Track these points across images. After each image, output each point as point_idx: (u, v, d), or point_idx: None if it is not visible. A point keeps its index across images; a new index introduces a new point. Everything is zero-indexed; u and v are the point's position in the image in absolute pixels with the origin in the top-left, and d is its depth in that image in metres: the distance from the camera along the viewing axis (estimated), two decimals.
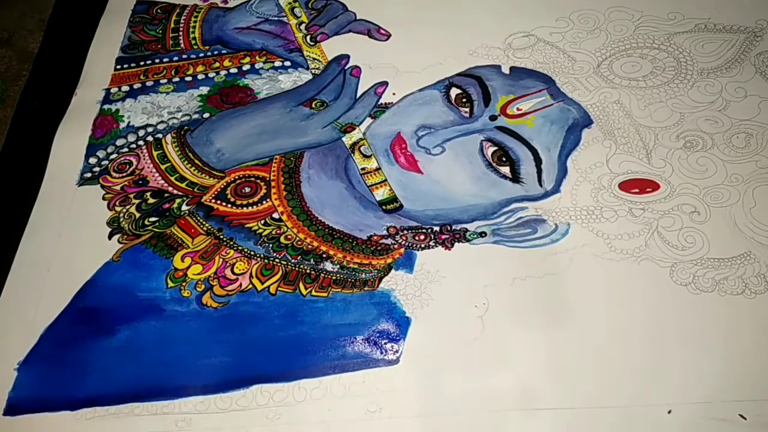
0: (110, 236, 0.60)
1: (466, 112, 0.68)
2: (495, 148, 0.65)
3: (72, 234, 0.61)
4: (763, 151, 0.65)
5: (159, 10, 0.80)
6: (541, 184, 0.63)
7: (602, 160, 0.65)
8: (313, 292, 0.58)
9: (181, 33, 0.77)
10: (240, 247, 0.60)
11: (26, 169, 0.67)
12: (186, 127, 0.68)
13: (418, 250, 0.60)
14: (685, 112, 0.68)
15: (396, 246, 0.60)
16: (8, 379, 0.53)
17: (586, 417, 0.51)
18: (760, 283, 0.56)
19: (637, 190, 0.63)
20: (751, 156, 0.64)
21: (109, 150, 0.67)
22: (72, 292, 0.57)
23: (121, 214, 0.62)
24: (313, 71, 0.73)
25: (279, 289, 0.58)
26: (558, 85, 0.71)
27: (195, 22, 0.78)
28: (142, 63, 0.75)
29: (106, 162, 0.66)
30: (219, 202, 0.63)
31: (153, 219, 0.62)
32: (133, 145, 0.67)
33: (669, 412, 0.51)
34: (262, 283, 0.58)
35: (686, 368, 0.53)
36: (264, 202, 0.63)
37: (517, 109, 0.68)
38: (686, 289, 0.57)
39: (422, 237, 0.61)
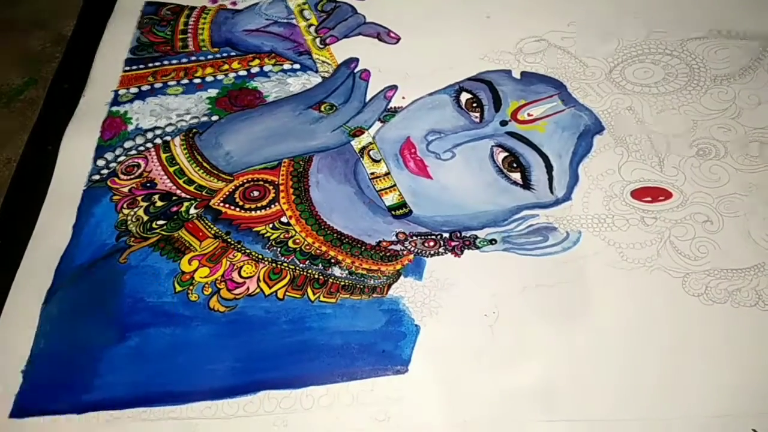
0: (118, 239, 0.60)
1: (476, 117, 0.67)
2: (506, 153, 0.64)
3: (79, 235, 0.61)
4: None
5: (168, 12, 0.79)
6: (552, 191, 0.63)
7: (614, 168, 0.64)
8: (322, 298, 0.57)
9: (190, 34, 0.77)
10: (247, 251, 0.60)
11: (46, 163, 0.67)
12: (194, 130, 0.68)
13: (427, 256, 0.59)
14: (697, 119, 0.67)
15: (405, 252, 0.60)
16: (15, 382, 0.53)
17: (598, 429, 0.50)
18: None
19: (649, 199, 0.62)
20: (765, 165, 0.63)
21: (117, 152, 0.67)
22: (80, 294, 0.57)
23: (129, 217, 0.62)
24: (322, 74, 0.73)
25: (287, 293, 0.57)
26: (569, 90, 0.70)
27: (204, 23, 0.78)
28: (150, 64, 0.74)
29: (115, 164, 0.66)
30: (227, 205, 0.63)
31: (161, 222, 0.61)
32: (142, 148, 0.67)
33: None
34: (270, 288, 0.58)
35: (699, 381, 0.52)
36: (272, 205, 0.63)
37: (528, 114, 0.67)
38: (699, 300, 0.56)
39: (432, 243, 0.60)
